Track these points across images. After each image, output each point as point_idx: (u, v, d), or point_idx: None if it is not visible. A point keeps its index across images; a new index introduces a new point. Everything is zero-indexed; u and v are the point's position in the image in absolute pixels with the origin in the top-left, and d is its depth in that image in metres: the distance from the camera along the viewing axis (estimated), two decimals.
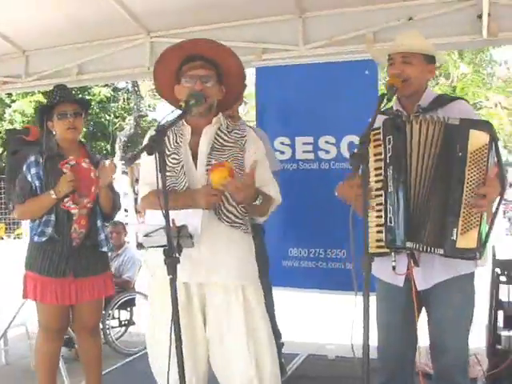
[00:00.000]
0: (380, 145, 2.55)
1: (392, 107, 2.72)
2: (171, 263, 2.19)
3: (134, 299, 6.13)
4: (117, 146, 15.94)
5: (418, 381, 2.83)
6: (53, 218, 3.39)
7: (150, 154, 2.16)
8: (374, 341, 2.60)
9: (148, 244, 2.47)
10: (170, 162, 2.64)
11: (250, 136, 2.83)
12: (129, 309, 6.13)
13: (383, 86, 2.78)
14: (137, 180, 14.91)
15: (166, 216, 2.20)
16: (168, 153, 2.65)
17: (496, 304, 4.19)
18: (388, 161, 2.52)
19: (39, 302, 3.46)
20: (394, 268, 2.56)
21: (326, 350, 4.90)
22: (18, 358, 5.07)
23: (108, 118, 20.50)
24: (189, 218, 2.46)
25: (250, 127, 3.37)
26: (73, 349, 5.13)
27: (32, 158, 3.43)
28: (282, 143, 4.71)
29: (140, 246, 2.53)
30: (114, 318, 5.92)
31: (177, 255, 2.23)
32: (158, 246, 2.43)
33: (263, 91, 4.84)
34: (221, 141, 2.74)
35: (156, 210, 2.45)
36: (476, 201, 2.40)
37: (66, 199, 3.36)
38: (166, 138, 2.65)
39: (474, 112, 2.79)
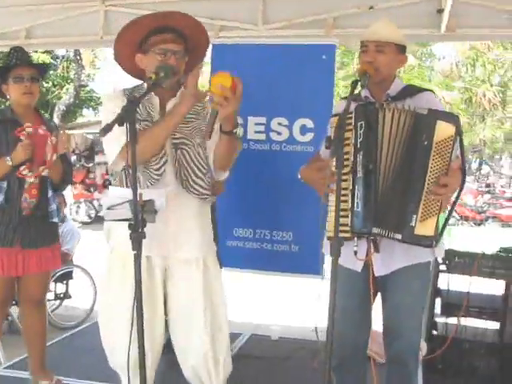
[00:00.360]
0: (350, 130, 2.56)
1: (360, 93, 2.74)
2: (137, 238, 2.15)
3: (71, 272, 6.03)
4: (55, 115, 15.55)
5: (368, 366, 2.90)
6: (4, 185, 3.26)
7: (120, 124, 2.10)
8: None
9: (110, 217, 2.41)
10: (143, 128, 2.60)
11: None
12: (65, 282, 6.02)
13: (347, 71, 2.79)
14: (73, 151, 14.64)
15: (134, 190, 2.15)
16: (140, 118, 2.61)
17: (434, 291, 4.32)
18: (358, 146, 2.54)
19: None
20: (355, 253, 2.59)
21: (269, 330, 4.95)
22: None
23: (46, 85, 19.89)
24: (154, 193, 2.42)
25: None
26: (6, 321, 5.01)
27: None
28: None
29: (101, 218, 2.48)
30: (49, 290, 5.80)
31: (142, 230, 2.18)
32: (119, 220, 2.40)
33: (218, 69, 4.75)
34: None
35: (119, 187, 2.46)
36: (437, 190, 2.45)
37: (22, 167, 3.24)
38: None
39: (441, 104, 2.85)
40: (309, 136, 4.50)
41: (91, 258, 6.47)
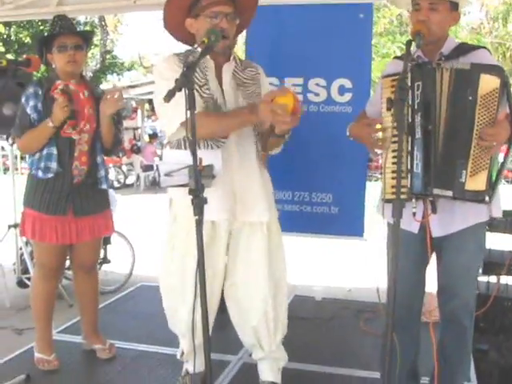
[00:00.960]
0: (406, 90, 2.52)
1: (410, 53, 2.69)
2: (198, 203, 2.15)
3: (109, 237, 6.07)
4: None
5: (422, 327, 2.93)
6: (55, 151, 3.26)
7: (179, 90, 2.10)
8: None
9: (167, 183, 2.42)
10: (204, 93, 2.64)
11: (262, 72, 2.91)
12: (104, 247, 6.08)
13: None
14: None
15: (194, 155, 2.15)
16: (200, 84, 2.64)
17: None
18: (416, 107, 2.51)
19: (38, 241, 3.39)
20: (414, 214, 2.57)
21: (312, 291, 4.96)
22: None
23: None
24: (211, 156, 2.43)
25: None
26: None
27: (31, 90, 3.26)
28: (271, 84, 4.55)
29: (154, 184, 2.48)
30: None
31: (203, 195, 2.18)
32: (177, 186, 2.41)
33: (253, 31, 4.67)
34: (240, 77, 2.77)
35: (176, 150, 2.47)
36: (483, 141, 2.42)
37: (65, 126, 3.23)
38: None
39: (496, 61, 2.79)
40: (347, 96, 4.45)
41: (123, 222, 6.54)
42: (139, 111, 18.07)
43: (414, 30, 2.53)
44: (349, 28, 4.44)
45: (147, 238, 7.48)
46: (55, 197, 3.31)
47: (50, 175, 3.28)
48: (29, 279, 4.94)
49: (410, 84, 2.49)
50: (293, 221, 4.65)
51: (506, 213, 4.21)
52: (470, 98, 2.43)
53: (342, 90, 4.48)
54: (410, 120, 2.52)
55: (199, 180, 2.16)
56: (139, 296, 5.02)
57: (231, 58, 2.75)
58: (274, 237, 2.84)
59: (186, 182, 2.32)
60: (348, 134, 2.92)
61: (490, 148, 2.44)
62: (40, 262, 3.47)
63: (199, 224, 2.16)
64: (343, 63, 4.45)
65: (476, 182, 2.46)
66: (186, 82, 2.09)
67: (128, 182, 16.61)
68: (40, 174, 3.29)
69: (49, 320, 3.52)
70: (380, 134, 2.69)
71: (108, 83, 22.64)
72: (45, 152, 3.28)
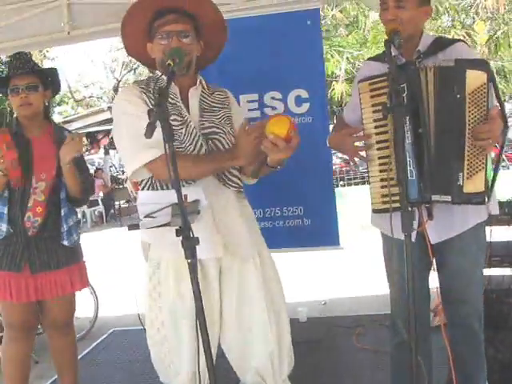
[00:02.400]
0: (385, 93, 2.38)
1: (385, 53, 2.55)
2: (189, 245, 1.91)
3: None
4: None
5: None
6: (5, 210, 3.00)
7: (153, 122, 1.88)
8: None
9: (148, 225, 2.16)
10: (173, 124, 2.25)
11: (230, 95, 2.71)
12: None
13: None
14: None
15: (178, 191, 1.92)
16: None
17: None
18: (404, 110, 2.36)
19: None
20: None
21: (295, 312, 4.72)
22: None
23: None
24: (195, 192, 2.21)
25: None
26: None
27: None
28: None
29: (133, 227, 2.21)
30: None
31: (194, 235, 1.94)
32: (157, 227, 2.18)
33: None
34: (208, 102, 2.54)
35: (152, 191, 2.28)
36: (478, 140, 2.29)
37: None
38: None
39: (475, 53, 2.68)
40: (305, 107, 4.35)
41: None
42: None
43: (389, 30, 2.41)
44: (298, 36, 4.33)
45: (104, 276, 7.19)
46: (10, 251, 3.03)
47: (0, 238, 3.03)
48: None
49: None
50: (267, 238, 4.44)
51: None
52: (458, 96, 2.31)
53: (298, 101, 4.36)
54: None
55: (187, 219, 1.93)
56: (114, 343, 4.74)
57: (197, 81, 2.53)
58: (267, 267, 2.58)
59: (166, 222, 2.09)
60: (328, 144, 2.82)
61: (485, 146, 2.31)
62: (7, 322, 3.17)
63: (193, 268, 1.93)
64: (297, 73, 4.33)
65: (474, 184, 2.33)
66: (161, 112, 1.87)
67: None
68: None
69: None
70: (360, 143, 2.57)
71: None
72: None
